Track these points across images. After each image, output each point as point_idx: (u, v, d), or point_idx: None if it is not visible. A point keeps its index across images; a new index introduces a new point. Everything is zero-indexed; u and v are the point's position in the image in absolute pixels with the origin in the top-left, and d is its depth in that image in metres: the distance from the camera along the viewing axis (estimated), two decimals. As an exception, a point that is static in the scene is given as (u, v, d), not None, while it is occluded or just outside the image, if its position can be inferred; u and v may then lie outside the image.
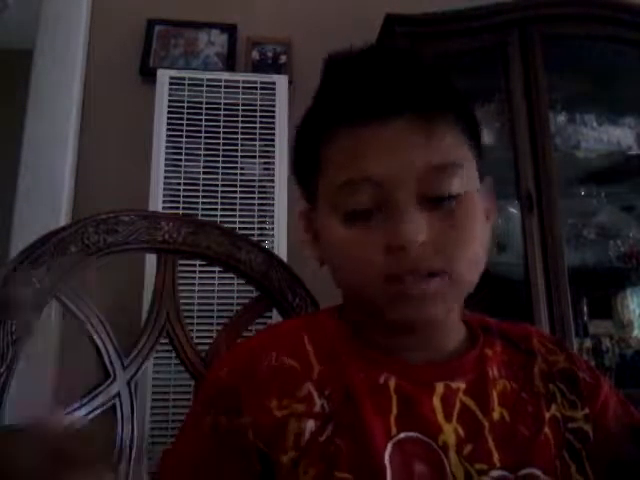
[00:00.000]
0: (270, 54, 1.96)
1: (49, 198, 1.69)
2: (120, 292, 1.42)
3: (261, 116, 1.77)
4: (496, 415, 0.55)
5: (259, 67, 1.92)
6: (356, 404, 0.54)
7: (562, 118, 1.83)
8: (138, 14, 1.97)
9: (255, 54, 1.95)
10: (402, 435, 0.52)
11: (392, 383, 0.55)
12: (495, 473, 0.52)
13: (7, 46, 2.64)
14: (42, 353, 1.47)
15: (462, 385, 0.56)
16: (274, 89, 1.79)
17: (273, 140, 1.75)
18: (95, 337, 0.88)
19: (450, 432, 0.53)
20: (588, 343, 1.65)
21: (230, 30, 1.97)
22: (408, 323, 0.55)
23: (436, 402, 0.54)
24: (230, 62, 1.92)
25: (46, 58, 1.84)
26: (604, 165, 1.81)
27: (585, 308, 1.71)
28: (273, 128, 1.76)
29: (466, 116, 0.57)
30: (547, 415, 0.57)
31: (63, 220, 1.69)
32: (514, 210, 1.69)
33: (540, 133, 1.64)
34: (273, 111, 1.77)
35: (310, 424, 0.52)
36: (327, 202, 0.56)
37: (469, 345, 0.61)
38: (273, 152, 1.75)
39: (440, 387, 0.55)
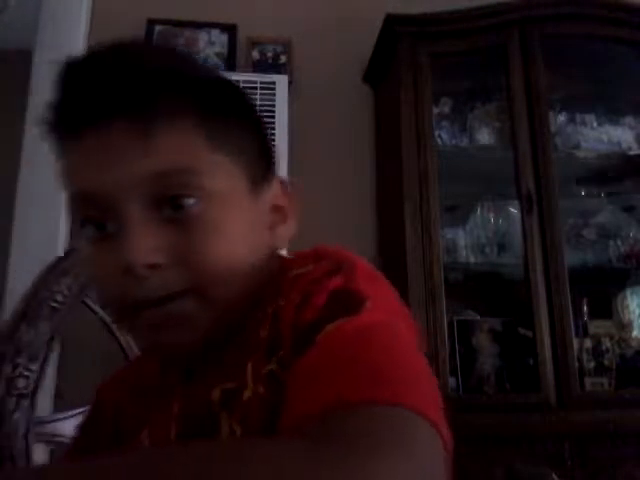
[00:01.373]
0: (270, 54, 1.96)
1: (49, 198, 1.69)
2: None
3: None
4: (248, 393, 0.47)
5: (259, 67, 1.92)
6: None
7: (562, 118, 1.83)
8: (138, 14, 1.97)
9: (255, 54, 1.95)
10: None
11: (175, 410, 0.52)
12: None
13: (7, 46, 2.64)
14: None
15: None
16: (274, 89, 1.80)
17: (273, 140, 1.75)
18: (119, 336, 1.04)
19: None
20: (588, 343, 1.65)
21: (230, 30, 1.97)
22: (164, 351, 0.51)
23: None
24: (230, 62, 1.92)
25: (46, 58, 1.84)
26: (604, 165, 1.82)
27: (585, 308, 1.71)
28: (273, 128, 1.76)
29: (210, 115, 0.49)
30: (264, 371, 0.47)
31: (63, 220, 1.69)
32: (514, 210, 1.70)
33: (540, 133, 1.64)
34: (273, 111, 1.77)
35: None
36: (73, 219, 0.51)
37: None
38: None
39: (216, 393, 0.48)
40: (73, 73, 0.48)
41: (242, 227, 0.50)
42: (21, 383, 0.88)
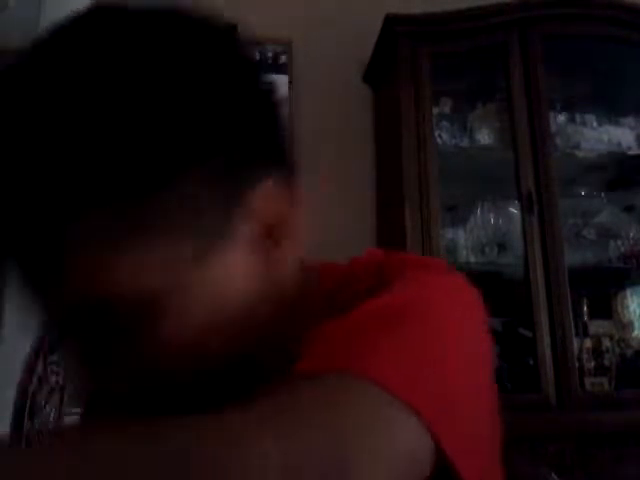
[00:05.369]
0: (270, 54, 1.96)
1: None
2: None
3: (261, 116, 1.77)
4: None
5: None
6: None
7: (562, 118, 1.83)
8: (138, 14, 1.98)
9: (255, 54, 1.95)
10: None
11: None
12: None
13: (7, 45, 2.64)
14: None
15: None
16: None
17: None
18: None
19: None
20: (588, 343, 1.65)
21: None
22: None
23: None
24: (230, 62, 1.92)
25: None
26: (604, 165, 1.82)
27: (585, 308, 1.71)
28: (273, 128, 1.76)
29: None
30: None
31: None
32: (514, 210, 1.70)
33: (540, 133, 1.64)
34: (273, 111, 1.78)
35: None
36: None
37: None
38: (273, 152, 1.75)
39: None
40: None
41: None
42: (52, 379, 0.99)
